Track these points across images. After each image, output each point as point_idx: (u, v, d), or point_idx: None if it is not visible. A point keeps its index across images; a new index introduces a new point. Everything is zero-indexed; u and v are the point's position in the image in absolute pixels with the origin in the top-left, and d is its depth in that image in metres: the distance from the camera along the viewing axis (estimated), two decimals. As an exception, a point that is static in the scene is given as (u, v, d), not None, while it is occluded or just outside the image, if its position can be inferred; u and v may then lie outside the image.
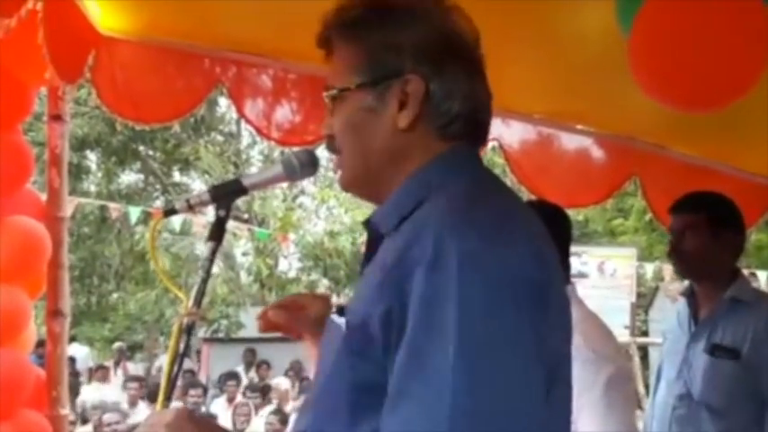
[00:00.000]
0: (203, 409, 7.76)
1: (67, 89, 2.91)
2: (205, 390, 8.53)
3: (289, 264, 14.98)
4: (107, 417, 6.63)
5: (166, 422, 1.03)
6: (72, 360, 8.29)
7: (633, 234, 13.98)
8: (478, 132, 1.13)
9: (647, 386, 10.50)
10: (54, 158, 2.97)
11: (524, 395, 0.91)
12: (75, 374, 8.61)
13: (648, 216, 7.41)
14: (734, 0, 2.01)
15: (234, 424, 7.19)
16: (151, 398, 7.56)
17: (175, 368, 1.17)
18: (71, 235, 8.62)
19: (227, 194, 1.24)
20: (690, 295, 2.52)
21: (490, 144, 3.52)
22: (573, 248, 2.23)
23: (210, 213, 1.27)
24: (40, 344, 3.50)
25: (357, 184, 1.16)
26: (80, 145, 13.78)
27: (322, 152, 1.33)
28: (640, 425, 2.77)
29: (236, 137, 16.22)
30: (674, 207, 2.50)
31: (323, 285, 14.16)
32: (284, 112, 3.21)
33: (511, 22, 2.56)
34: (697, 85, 2.07)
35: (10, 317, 2.73)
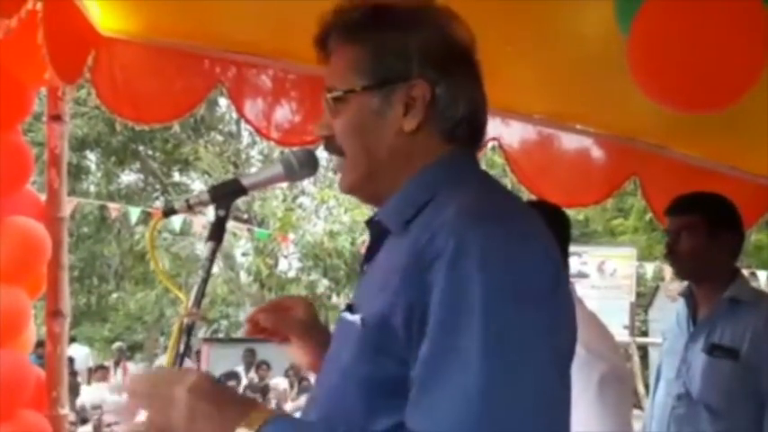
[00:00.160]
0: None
1: (67, 89, 2.92)
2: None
3: (288, 264, 14.98)
4: (107, 417, 6.63)
5: (190, 385, 1.00)
6: (70, 360, 8.28)
7: (633, 234, 13.98)
8: (478, 135, 1.15)
9: (647, 386, 10.51)
10: (53, 159, 2.97)
11: (548, 385, 0.94)
12: (73, 374, 8.61)
13: (648, 216, 7.41)
14: (734, 0, 2.01)
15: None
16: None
17: (175, 368, 1.17)
18: (71, 235, 8.62)
19: (226, 194, 1.23)
20: (688, 296, 2.51)
21: (490, 144, 3.52)
22: (573, 248, 2.24)
23: (210, 213, 1.26)
24: (40, 344, 3.50)
25: (359, 185, 1.16)
26: (80, 145, 13.78)
27: (321, 152, 1.32)
28: (638, 425, 2.77)
29: (236, 137, 16.21)
30: (670, 208, 2.50)
31: (323, 285, 14.16)
32: (284, 113, 3.21)
33: (511, 21, 2.56)
34: (696, 85, 2.07)
35: (10, 317, 2.73)
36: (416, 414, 0.94)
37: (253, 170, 12.64)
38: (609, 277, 8.89)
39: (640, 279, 10.88)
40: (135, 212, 8.95)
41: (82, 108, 12.23)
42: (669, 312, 2.84)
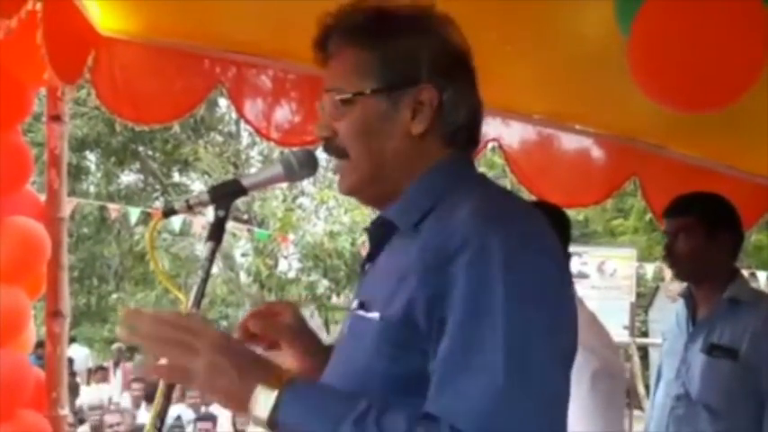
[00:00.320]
0: (203, 409, 7.75)
1: (67, 90, 2.91)
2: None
3: (288, 264, 14.95)
4: (109, 418, 6.62)
5: (211, 339, 1.01)
6: (70, 361, 8.29)
7: (633, 234, 13.98)
8: (475, 140, 1.20)
9: (647, 387, 10.51)
10: (53, 159, 2.97)
11: (555, 384, 1.01)
12: (72, 375, 8.61)
13: (648, 216, 7.41)
14: (734, 0, 2.01)
15: (234, 425, 7.17)
16: (149, 399, 7.56)
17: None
18: (70, 235, 8.63)
19: (226, 195, 1.23)
20: (688, 296, 2.51)
21: (490, 144, 3.52)
22: (573, 249, 2.24)
23: (210, 214, 1.26)
24: (40, 344, 3.50)
25: (361, 187, 1.18)
26: (79, 145, 13.76)
27: (321, 152, 1.32)
28: (640, 426, 2.77)
29: (236, 137, 16.20)
30: (667, 210, 2.49)
31: (323, 286, 14.14)
32: (284, 113, 3.21)
33: (511, 21, 2.56)
34: (696, 85, 2.07)
35: (10, 317, 2.73)
36: (439, 401, 0.97)
37: (252, 170, 12.65)
38: (609, 278, 8.89)
39: (640, 279, 10.88)
40: (135, 213, 8.95)
41: (82, 108, 12.23)
42: (669, 313, 2.84)
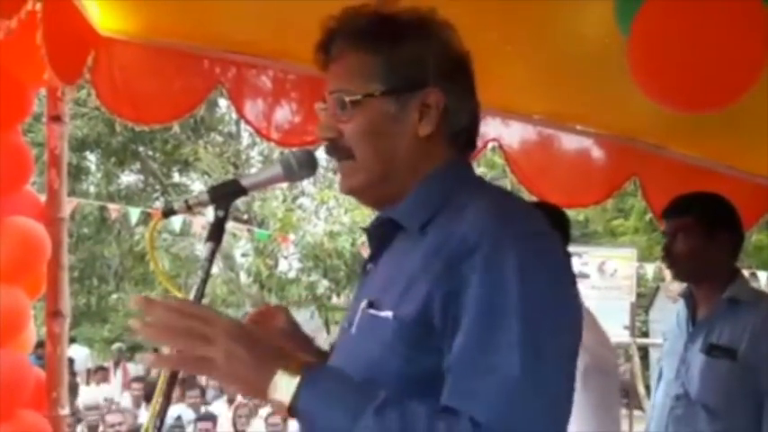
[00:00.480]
0: (203, 409, 7.75)
1: (67, 90, 2.91)
2: (203, 391, 8.53)
3: (289, 264, 14.95)
4: (110, 417, 6.62)
5: (225, 327, 1.01)
6: (70, 361, 8.30)
7: (633, 234, 13.99)
8: (474, 143, 1.24)
9: (647, 386, 10.52)
10: (53, 159, 2.97)
11: (565, 381, 1.06)
12: (71, 375, 8.62)
13: (649, 216, 7.41)
14: (734, 0, 2.01)
15: (234, 425, 7.18)
16: (148, 399, 7.55)
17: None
18: (71, 236, 8.62)
19: (225, 195, 1.23)
20: (688, 296, 2.51)
21: (490, 144, 3.52)
22: (573, 249, 2.24)
23: (210, 214, 1.26)
24: (40, 344, 3.50)
25: (368, 187, 1.19)
26: (79, 146, 13.76)
27: (321, 153, 1.33)
28: (640, 426, 2.77)
29: (236, 138, 16.20)
30: (666, 211, 2.49)
31: (323, 286, 14.13)
32: (284, 113, 3.21)
33: (511, 22, 2.56)
34: (696, 85, 2.07)
35: (10, 317, 2.73)
36: (458, 396, 1.00)
37: (252, 171, 12.65)
38: (609, 278, 8.89)
39: (641, 280, 10.89)
40: (135, 213, 8.95)
41: (82, 109, 12.23)
42: (669, 313, 2.84)
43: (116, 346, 12.39)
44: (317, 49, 1.20)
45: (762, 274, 9.43)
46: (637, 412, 8.85)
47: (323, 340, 13.52)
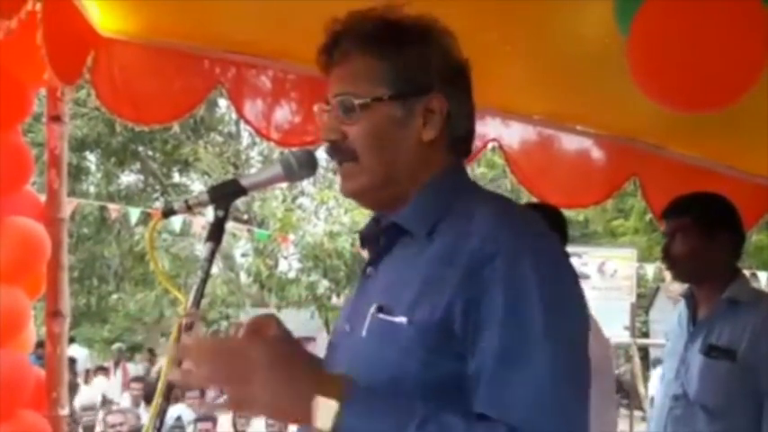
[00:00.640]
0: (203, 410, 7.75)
1: (66, 90, 2.91)
2: (203, 391, 8.53)
3: (288, 264, 14.95)
4: (111, 418, 6.61)
5: (262, 358, 1.00)
6: (72, 361, 8.30)
7: (633, 235, 14.00)
8: (471, 148, 1.26)
9: (647, 387, 10.51)
10: (53, 159, 2.97)
11: (585, 375, 1.09)
12: (73, 375, 8.61)
13: (649, 216, 7.41)
14: (734, 0, 2.01)
15: (234, 426, 7.17)
16: (148, 399, 7.56)
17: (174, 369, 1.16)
18: (70, 236, 8.62)
19: (225, 195, 1.23)
20: (689, 296, 2.51)
21: (490, 145, 3.52)
22: (573, 249, 2.24)
23: (210, 214, 1.26)
24: (40, 344, 3.50)
25: (370, 190, 1.19)
26: (79, 146, 13.78)
27: (321, 153, 1.33)
28: (641, 427, 2.77)
29: (236, 138, 16.22)
30: (665, 211, 2.49)
31: (323, 286, 14.14)
32: (283, 113, 3.21)
33: (510, 22, 2.56)
34: (696, 85, 2.06)
35: (10, 317, 2.73)
36: (493, 403, 1.01)
37: (252, 171, 12.65)
38: (609, 278, 8.89)
39: (641, 280, 10.89)
40: (135, 213, 8.95)
41: (82, 109, 12.24)
42: (670, 313, 2.83)
43: (116, 346, 12.39)
44: (321, 51, 1.20)
45: (762, 275, 9.43)
46: (637, 412, 8.85)
47: (323, 340, 13.51)
